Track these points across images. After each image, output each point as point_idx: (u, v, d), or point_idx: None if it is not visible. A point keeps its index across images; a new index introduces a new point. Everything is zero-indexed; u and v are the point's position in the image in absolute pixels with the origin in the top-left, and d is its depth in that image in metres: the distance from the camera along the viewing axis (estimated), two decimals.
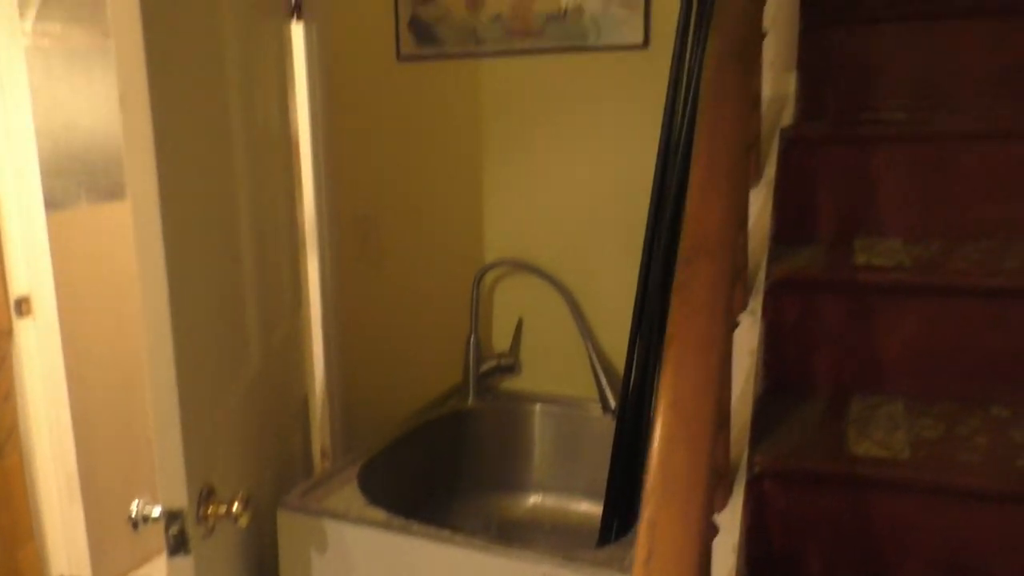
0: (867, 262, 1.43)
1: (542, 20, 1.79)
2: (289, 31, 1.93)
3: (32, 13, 2.43)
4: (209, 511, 1.17)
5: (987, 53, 1.74)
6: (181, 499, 1.11)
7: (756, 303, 1.40)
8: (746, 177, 1.02)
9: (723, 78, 1.04)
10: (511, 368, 1.97)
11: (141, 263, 1.06)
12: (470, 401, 1.92)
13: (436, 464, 1.86)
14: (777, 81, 1.64)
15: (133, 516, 1.14)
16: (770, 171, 1.55)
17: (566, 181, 1.85)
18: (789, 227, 1.66)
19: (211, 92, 1.38)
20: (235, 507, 1.18)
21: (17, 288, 2.47)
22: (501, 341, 1.99)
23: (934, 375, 1.40)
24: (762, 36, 1.17)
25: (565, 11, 1.77)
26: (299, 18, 1.93)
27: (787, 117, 1.63)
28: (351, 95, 1.99)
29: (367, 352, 2.11)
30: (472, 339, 1.91)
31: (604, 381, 1.82)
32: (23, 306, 2.49)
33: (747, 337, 1.36)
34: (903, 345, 1.41)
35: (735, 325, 1.15)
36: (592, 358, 1.83)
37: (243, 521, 1.19)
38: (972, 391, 1.39)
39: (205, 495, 1.17)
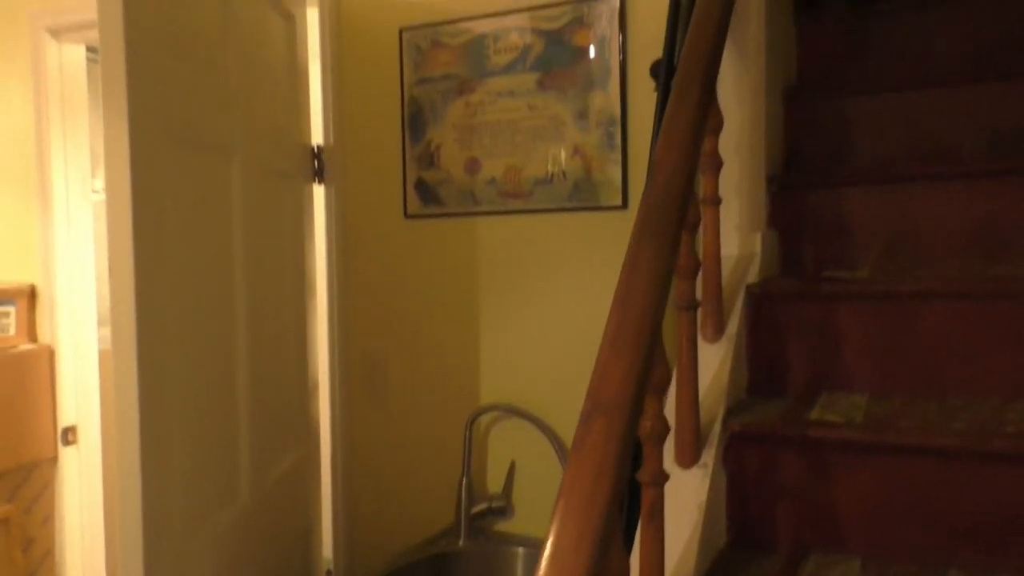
0: (820, 418, 1.47)
1: (531, 184, 1.96)
2: (311, 192, 2.15)
3: (101, 171, 2.75)
4: None
5: (955, 214, 1.81)
6: None
7: (709, 456, 1.45)
8: (653, 343, 1.10)
9: (637, 253, 1.15)
10: (503, 511, 2.02)
11: (117, 407, 1.20)
12: (461, 542, 1.97)
13: None
14: (744, 241, 1.74)
15: None
16: (732, 327, 1.62)
17: (555, 330, 1.95)
18: (761, 379, 1.72)
19: (214, 248, 1.56)
20: None
21: (65, 418, 2.67)
22: (495, 483, 2.05)
23: (891, 534, 1.41)
24: (686, 204, 1.28)
25: (551, 176, 1.94)
26: (320, 181, 2.16)
27: (753, 274, 1.71)
28: (363, 247, 2.17)
29: (370, 486, 2.19)
30: (464, 481, 1.98)
31: None
32: (69, 435, 2.68)
33: (696, 490, 1.40)
34: (859, 502, 1.43)
35: (665, 478, 1.20)
36: None
37: None
38: (930, 553, 1.38)
39: None
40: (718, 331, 1.61)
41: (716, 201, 1.59)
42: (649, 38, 1.84)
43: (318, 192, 2.17)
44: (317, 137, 2.17)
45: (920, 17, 2.21)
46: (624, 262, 1.16)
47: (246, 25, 1.71)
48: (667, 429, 1.22)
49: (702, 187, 1.59)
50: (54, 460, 2.67)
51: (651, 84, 1.81)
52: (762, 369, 1.72)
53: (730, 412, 1.54)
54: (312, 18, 2.16)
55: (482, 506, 1.99)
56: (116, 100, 1.23)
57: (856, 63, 2.24)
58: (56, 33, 2.55)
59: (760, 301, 1.70)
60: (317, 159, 2.15)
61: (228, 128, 1.60)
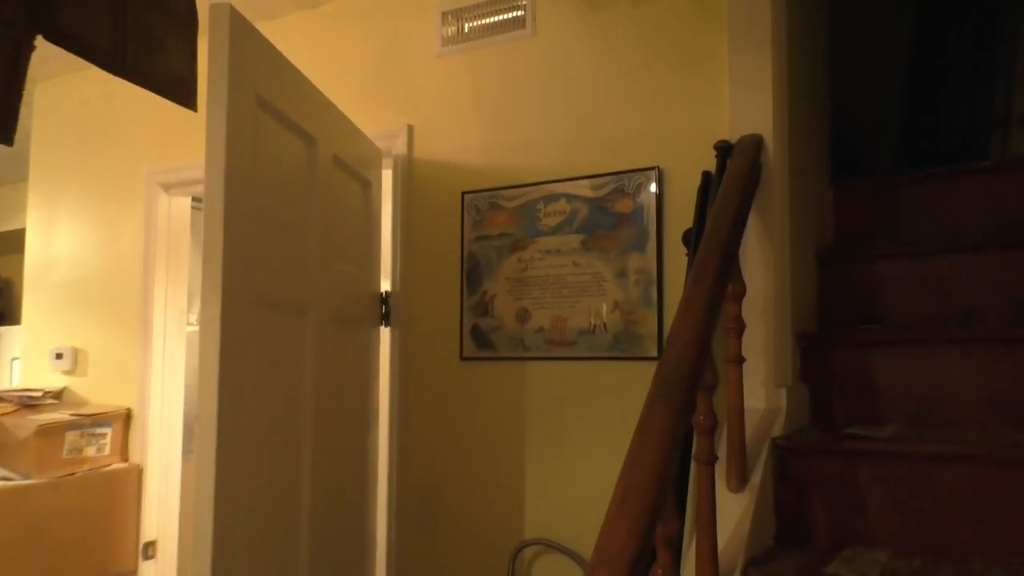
0: (835, 573, 1.54)
1: (575, 333, 2.14)
2: (378, 334, 2.37)
3: (196, 305, 3.06)
4: None
5: (981, 378, 1.90)
6: None
7: None
8: (660, 503, 1.23)
9: (648, 419, 1.30)
10: None
11: (195, 532, 1.39)
12: None
13: None
14: (770, 396, 1.86)
15: None
16: (756, 477, 1.72)
17: (595, 469, 2.08)
18: (788, 529, 1.80)
19: (286, 386, 1.77)
20: None
21: (147, 534, 2.88)
22: None
23: None
24: (699, 372, 1.43)
25: (594, 328, 2.11)
26: (387, 324, 2.38)
27: (779, 427, 1.82)
28: (423, 385, 2.37)
29: None
30: None
31: None
32: (149, 550, 2.88)
33: None
34: None
35: None
36: None
37: None
38: None
39: None
40: (741, 481, 1.72)
41: (739, 360, 1.73)
42: (685, 205, 2.03)
43: (385, 334, 2.40)
44: (386, 284, 2.42)
45: (952, 185, 2.35)
46: (636, 426, 1.31)
47: (328, 194, 1.98)
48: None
49: (727, 347, 1.73)
50: (134, 573, 2.86)
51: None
52: (788, 519, 1.80)
53: (752, 562, 1.62)
54: (387, 180, 2.45)
55: None
56: (213, 268, 1.48)
57: (889, 226, 2.38)
58: (167, 187, 2.92)
59: (785, 454, 1.80)
60: (385, 304, 2.39)
61: (305, 287, 1.84)
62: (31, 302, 3.25)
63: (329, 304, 1.98)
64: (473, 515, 2.26)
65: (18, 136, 3.49)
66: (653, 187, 2.08)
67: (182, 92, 1.50)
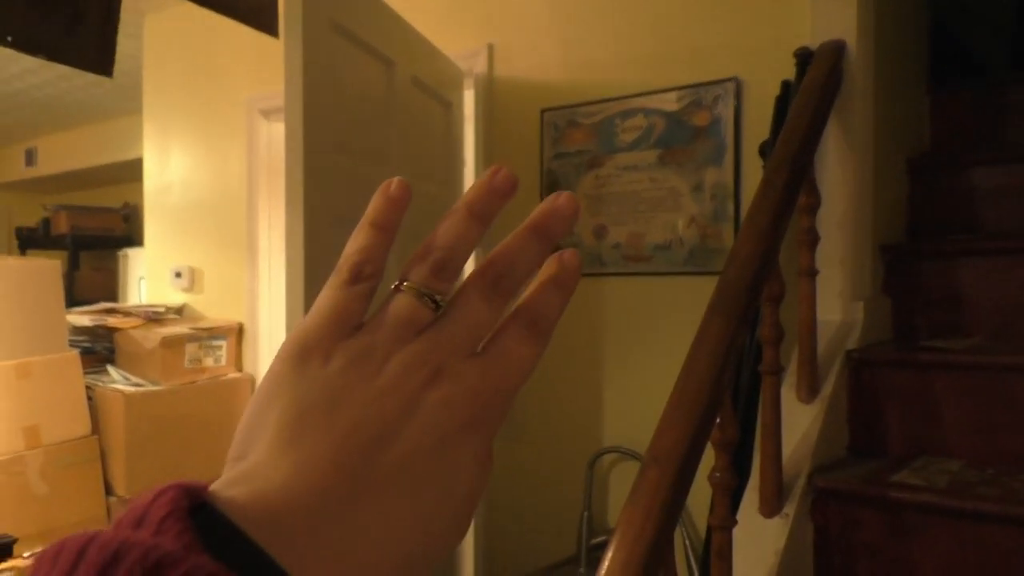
0: (903, 480, 1.56)
1: (652, 249, 2.16)
2: None
3: None
4: None
5: None
6: None
7: (791, 508, 1.58)
8: (713, 407, 1.28)
9: (705, 330, 1.34)
10: None
11: None
12: (581, 570, 2.17)
13: None
14: (846, 308, 1.85)
15: None
16: (828, 389, 1.74)
17: (672, 382, 2.13)
18: (861, 440, 1.81)
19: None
20: None
21: None
22: (614, 518, 2.24)
23: None
24: (760, 285, 1.44)
25: (670, 243, 2.13)
26: None
27: (854, 340, 1.81)
28: None
29: (506, 512, 2.45)
30: (585, 515, 2.20)
31: (695, 565, 2.00)
32: None
33: (774, 538, 1.54)
34: (936, 565, 1.50)
35: (732, 523, 1.36)
36: (685, 543, 2.03)
37: None
38: None
39: None
40: (812, 393, 1.74)
41: (812, 273, 1.73)
42: (764, 117, 1.99)
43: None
44: None
45: None
46: (695, 337, 1.35)
47: (407, 116, 2.05)
48: (734, 480, 1.39)
49: (799, 260, 1.73)
50: None
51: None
52: (862, 431, 1.81)
53: (821, 469, 1.66)
54: (468, 100, 2.50)
55: (601, 539, 2.19)
56: (295, 192, 1.59)
57: (990, 135, 2.26)
58: (267, 113, 3.06)
59: (859, 366, 1.80)
60: None
61: None
62: (152, 226, 3.52)
63: (412, 224, 2.07)
64: (554, 425, 2.37)
65: (133, 68, 3.71)
66: (731, 99, 2.05)
67: (263, 18, 1.58)
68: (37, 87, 5.02)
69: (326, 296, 0.32)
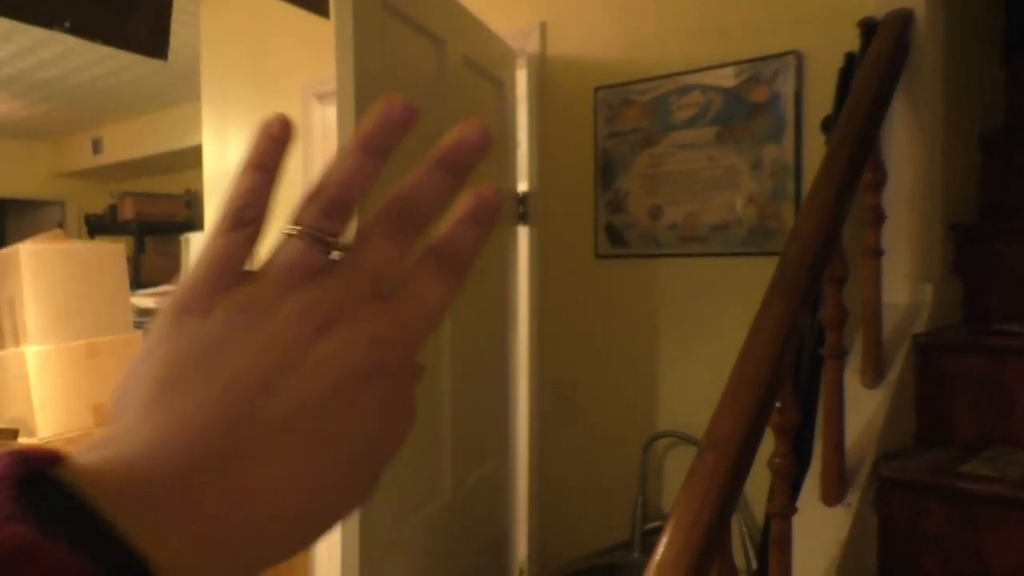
0: (972, 471, 1.49)
1: (708, 229, 2.11)
2: (516, 233, 2.45)
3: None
4: None
5: None
6: None
7: (854, 497, 1.53)
8: (771, 392, 1.24)
9: (763, 312, 1.30)
10: None
11: None
12: (635, 554, 2.15)
13: None
14: (913, 290, 1.77)
15: None
16: (894, 374, 1.67)
17: (729, 365, 2.08)
18: (928, 427, 1.74)
19: None
20: None
21: None
22: (669, 503, 2.21)
23: None
24: (822, 265, 1.39)
25: (728, 222, 2.07)
26: (525, 223, 2.45)
27: (922, 323, 1.74)
28: (558, 283, 2.43)
29: (558, 496, 2.44)
30: (640, 499, 2.17)
31: (752, 553, 1.96)
32: None
33: (836, 527, 1.49)
34: (1007, 559, 1.43)
35: (792, 511, 1.32)
36: (743, 531, 1.99)
37: None
38: None
39: None
40: (877, 378, 1.67)
41: (877, 253, 1.66)
42: (826, 92, 1.92)
43: (522, 233, 2.47)
44: (523, 184, 2.47)
45: None
46: (754, 318, 1.31)
47: (459, 96, 2.03)
48: (794, 467, 1.34)
49: (863, 239, 1.66)
50: None
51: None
52: (929, 418, 1.74)
53: (886, 457, 1.60)
54: (520, 80, 2.47)
55: (655, 524, 2.16)
56: None
57: None
58: (321, 97, 3.08)
59: (927, 351, 1.73)
60: (522, 204, 2.45)
61: None
62: (211, 211, 3.58)
63: None
64: (608, 408, 2.34)
65: (191, 56, 3.77)
66: (792, 73, 1.98)
67: (313, 0, 1.57)
68: (102, 77, 5.15)
69: (207, 245, 0.30)
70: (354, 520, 1.53)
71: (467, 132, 0.31)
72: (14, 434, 1.60)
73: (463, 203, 0.32)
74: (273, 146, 0.31)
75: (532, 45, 2.44)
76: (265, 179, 0.31)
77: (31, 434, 2.44)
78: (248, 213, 0.30)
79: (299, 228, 0.30)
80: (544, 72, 2.45)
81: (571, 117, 2.40)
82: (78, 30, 1.33)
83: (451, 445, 1.98)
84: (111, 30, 1.39)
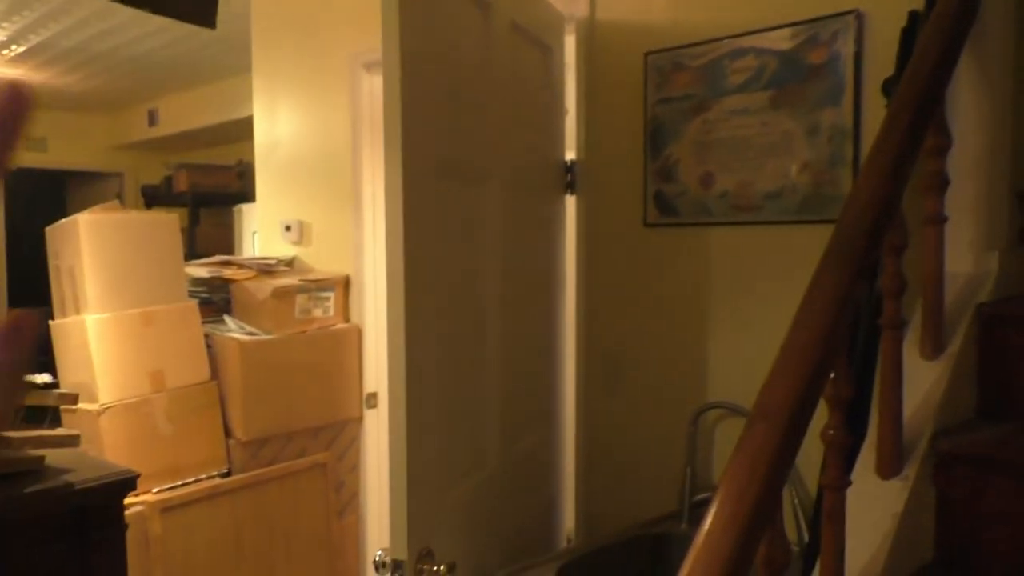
0: None
1: (762, 197, 2.06)
2: (563, 202, 2.43)
3: None
4: (424, 567, 1.59)
5: None
6: (403, 554, 1.54)
7: (911, 471, 1.49)
8: (823, 361, 1.20)
9: (818, 281, 1.26)
10: None
11: (390, 381, 1.55)
12: (683, 525, 2.14)
13: None
14: (978, 259, 1.71)
15: (376, 560, 1.60)
16: (955, 345, 1.62)
17: (779, 336, 2.04)
18: (992, 401, 1.69)
19: (472, 253, 1.88)
20: (442, 569, 1.58)
21: (369, 386, 3.23)
22: (718, 474, 2.18)
23: None
24: (881, 232, 1.34)
25: (782, 190, 2.02)
26: (572, 192, 2.43)
27: (986, 293, 1.68)
28: (607, 252, 2.40)
29: (605, 467, 2.43)
30: (688, 471, 2.15)
31: (804, 526, 1.94)
32: (371, 400, 3.24)
33: (892, 501, 1.45)
34: None
35: (846, 483, 1.29)
36: (795, 504, 1.96)
37: None
38: None
39: (423, 554, 1.60)
40: (937, 349, 1.62)
41: (940, 220, 1.60)
42: (888, 53, 1.85)
43: (569, 202, 2.45)
44: (570, 152, 2.44)
45: None
46: (808, 286, 1.27)
47: (508, 63, 2.00)
48: (848, 439, 1.31)
49: (924, 206, 1.60)
50: (360, 420, 3.24)
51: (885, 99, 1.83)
52: (991, 391, 1.68)
53: (945, 431, 1.55)
54: (568, 45, 2.43)
55: (704, 495, 2.14)
56: (393, 140, 1.58)
57: None
58: (369, 67, 3.07)
59: (992, 322, 1.66)
60: (570, 172, 2.42)
61: (486, 157, 1.91)
62: (263, 181, 3.63)
63: (513, 172, 2.04)
64: (656, 378, 2.32)
65: (243, 28, 3.79)
66: (851, 34, 1.90)
67: None
68: (157, 50, 5.23)
69: None
70: (403, 487, 1.55)
71: None
72: (74, 398, 1.65)
73: None
74: None
75: (581, 9, 2.39)
76: None
77: (93, 399, 2.51)
78: None
79: None
80: (593, 37, 2.40)
81: (620, 83, 2.35)
82: (142, 4, 1.34)
83: (498, 414, 1.98)
84: (172, 3, 1.39)
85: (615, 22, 2.35)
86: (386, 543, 1.60)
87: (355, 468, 3.28)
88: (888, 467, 1.49)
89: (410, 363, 1.56)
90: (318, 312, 3.07)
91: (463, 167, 1.82)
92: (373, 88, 3.10)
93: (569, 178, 2.42)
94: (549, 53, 2.30)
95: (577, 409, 2.48)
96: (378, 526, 3.30)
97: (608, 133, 2.38)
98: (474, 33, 1.85)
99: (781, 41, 2.01)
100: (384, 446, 3.26)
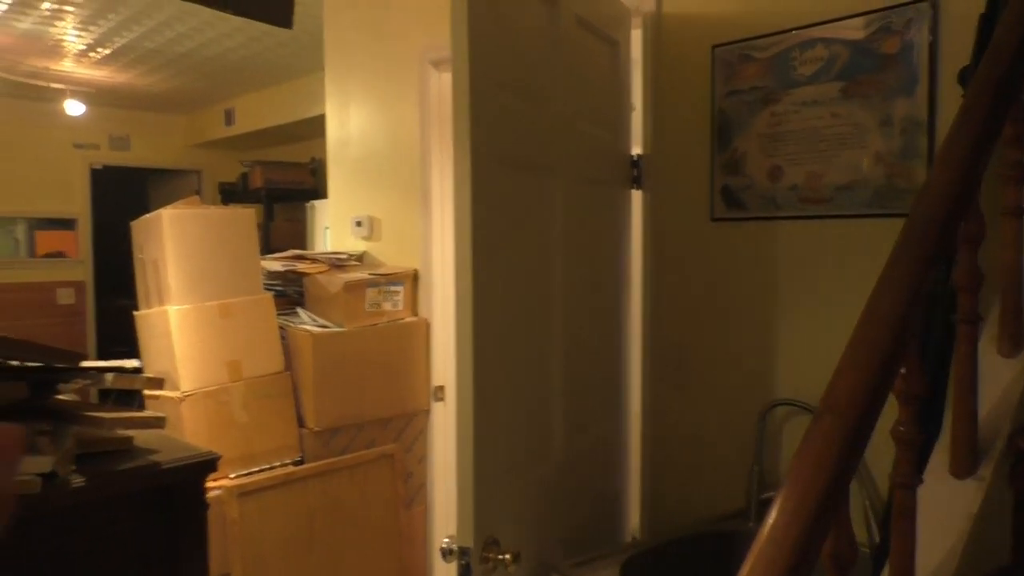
0: None
1: (832, 190, 2.02)
2: (629, 196, 2.43)
3: None
4: (490, 555, 1.62)
5: None
6: (468, 541, 1.58)
7: (987, 470, 1.45)
8: (893, 355, 1.18)
9: (890, 268, 1.24)
10: None
11: (457, 373, 1.59)
12: (750, 524, 2.12)
13: (698, 574, 2.08)
14: None
15: (443, 547, 1.64)
16: None
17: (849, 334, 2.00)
18: None
19: (537, 246, 1.90)
20: (507, 557, 1.61)
21: (436, 379, 3.28)
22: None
23: None
24: (955, 224, 1.30)
25: (853, 182, 1.98)
26: (638, 187, 2.42)
27: None
28: (673, 246, 2.39)
29: (671, 462, 2.43)
30: (755, 468, 2.13)
31: (875, 528, 1.90)
32: (438, 393, 3.29)
33: (967, 501, 1.42)
34: None
35: (917, 481, 1.27)
36: (866, 502, 1.93)
37: (511, 570, 1.62)
38: None
39: (489, 542, 1.63)
40: (1015, 346, 1.58)
41: (1020, 212, 1.55)
42: (963, 41, 1.79)
43: (636, 196, 2.44)
44: (636, 147, 2.44)
45: None
46: (878, 279, 1.26)
47: (573, 57, 2.02)
48: (919, 436, 1.29)
49: (1003, 196, 1.55)
50: (427, 412, 3.29)
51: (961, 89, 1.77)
52: None
53: (1022, 430, 1.51)
54: (635, 38, 2.43)
55: (771, 494, 2.12)
56: (461, 133, 1.61)
57: None
58: (437, 64, 3.12)
59: None
60: (636, 167, 2.42)
61: (552, 151, 1.92)
62: (334, 178, 3.72)
63: (578, 166, 2.05)
64: (724, 373, 2.30)
65: (315, 27, 3.89)
66: (926, 21, 1.85)
67: None
68: (233, 50, 5.40)
69: None
70: (470, 477, 1.58)
71: None
72: (160, 383, 1.74)
73: None
74: None
75: (648, 3, 2.39)
76: None
77: (175, 387, 2.63)
78: None
79: None
80: (660, 31, 2.39)
81: (687, 76, 2.34)
82: (222, 4, 1.40)
83: (563, 407, 2.00)
84: (252, 4, 1.45)
85: (682, 15, 2.34)
86: (452, 533, 1.64)
87: (423, 459, 3.34)
88: (963, 466, 1.46)
89: (477, 356, 1.59)
90: (387, 306, 3.14)
91: (530, 161, 1.84)
92: (441, 85, 3.15)
93: (635, 172, 2.42)
94: (615, 47, 2.30)
95: (643, 404, 2.48)
96: (445, 516, 3.35)
97: (674, 127, 2.37)
98: (540, 28, 1.87)
99: (852, 31, 1.97)
100: (451, 438, 3.29)
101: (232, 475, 2.68)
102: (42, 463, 1.30)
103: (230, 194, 7.03)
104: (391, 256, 3.40)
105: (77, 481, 1.33)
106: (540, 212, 1.90)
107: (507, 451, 1.74)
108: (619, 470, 2.45)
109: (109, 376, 1.53)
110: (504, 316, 1.72)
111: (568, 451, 2.05)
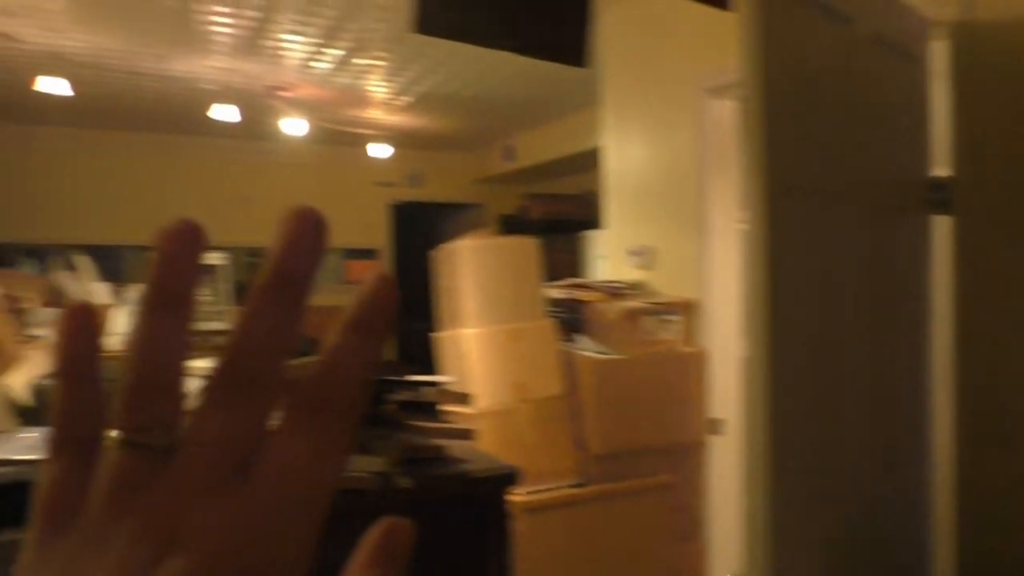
0: None
1: None
2: (930, 222, 2.25)
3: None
4: None
5: None
6: None
7: None
8: None
9: None
10: None
11: (748, 411, 1.57)
12: None
13: None
14: None
15: None
16: None
17: None
18: None
19: (830, 278, 1.82)
20: None
21: (712, 412, 3.23)
22: None
23: None
24: None
25: None
26: (945, 211, 2.24)
27: None
28: (989, 280, 2.15)
29: (988, 518, 2.18)
30: None
31: None
32: (715, 425, 3.24)
33: None
34: None
35: None
36: None
37: None
38: None
39: None
40: None
41: None
42: None
43: (940, 223, 2.25)
44: (941, 168, 2.25)
45: None
46: None
47: (866, 75, 1.92)
48: None
49: None
50: (702, 444, 3.25)
51: None
52: None
53: None
54: (936, 51, 2.25)
55: None
56: (753, 159, 1.60)
57: None
58: (712, 92, 3.12)
59: None
60: (941, 190, 2.23)
61: (844, 176, 1.84)
62: (611, 209, 3.84)
63: (872, 191, 1.95)
64: None
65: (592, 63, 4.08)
66: None
67: None
68: (514, 92, 5.79)
69: (41, 474, 0.25)
70: (764, 515, 1.55)
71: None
72: (467, 398, 1.91)
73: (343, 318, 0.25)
74: (78, 342, 0.26)
75: (952, 12, 2.21)
76: (81, 389, 0.26)
77: (471, 406, 2.85)
78: (76, 431, 0.25)
79: (111, 436, 0.24)
80: (969, 41, 2.20)
81: (1004, 90, 2.12)
82: (523, 49, 1.54)
83: (858, 452, 1.89)
84: (549, 46, 1.58)
85: (996, 23, 2.14)
86: (728, 571, 1.61)
87: (699, 492, 3.30)
88: None
89: (774, 391, 1.56)
90: (664, 334, 3.16)
91: (822, 187, 1.79)
92: (717, 112, 3.14)
93: (940, 196, 2.23)
94: (913, 62, 2.15)
95: (953, 455, 2.26)
96: (722, 553, 3.26)
97: (991, 146, 2.16)
98: (833, 48, 1.81)
99: None
100: (729, 473, 3.23)
101: (519, 492, 2.84)
102: (377, 463, 1.50)
103: (511, 226, 7.50)
104: (666, 285, 3.42)
105: (405, 482, 1.51)
106: (832, 241, 1.83)
107: (801, 493, 1.69)
108: (924, 523, 2.24)
109: (429, 390, 1.72)
110: (797, 352, 1.67)
111: (865, 497, 1.92)
